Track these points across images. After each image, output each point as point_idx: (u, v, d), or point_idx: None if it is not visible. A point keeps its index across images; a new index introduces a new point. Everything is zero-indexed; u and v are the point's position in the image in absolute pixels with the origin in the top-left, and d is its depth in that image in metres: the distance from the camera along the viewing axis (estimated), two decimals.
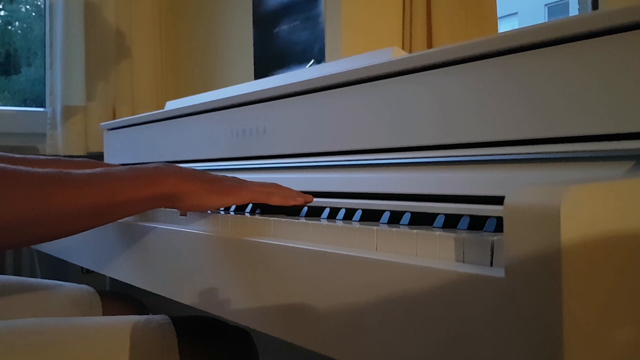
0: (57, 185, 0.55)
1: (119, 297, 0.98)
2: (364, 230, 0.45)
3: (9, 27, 1.97)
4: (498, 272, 0.33)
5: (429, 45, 1.36)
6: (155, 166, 0.62)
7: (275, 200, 0.63)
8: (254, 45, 1.59)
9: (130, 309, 0.95)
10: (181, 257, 0.63)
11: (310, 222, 0.51)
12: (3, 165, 0.51)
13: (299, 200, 0.63)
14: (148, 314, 0.77)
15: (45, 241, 0.59)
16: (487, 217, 0.47)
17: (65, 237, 0.60)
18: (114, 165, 0.81)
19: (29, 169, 0.54)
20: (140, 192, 0.60)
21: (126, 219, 0.78)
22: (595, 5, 1.58)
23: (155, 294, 0.68)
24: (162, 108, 1.16)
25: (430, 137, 0.58)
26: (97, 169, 0.60)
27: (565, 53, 0.47)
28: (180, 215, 0.69)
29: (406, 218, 0.53)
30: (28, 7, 2.02)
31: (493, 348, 0.32)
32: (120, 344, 0.63)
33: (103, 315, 0.91)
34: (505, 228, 0.31)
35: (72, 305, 0.89)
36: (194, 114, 0.96)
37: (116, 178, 0.60)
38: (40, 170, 0.55)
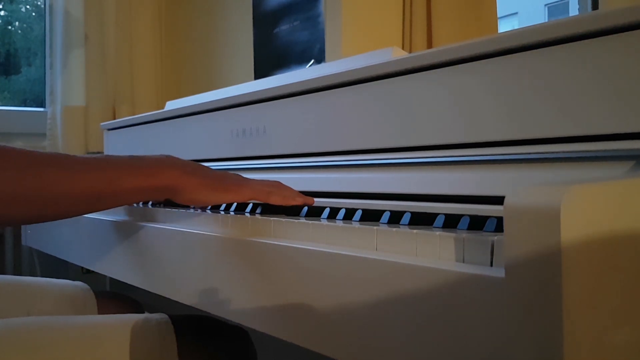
0: (52, 165, 0.54)
1: (115, 297, 0.97)
2: (364, 230, 0.45)
3: (9, 27, 1.97)
4: (498, 272, 0.33)
5: (429, 45, 1.36)
6: (157, 157, 0.62)
7: (274, 200, 0.62)
8: (254, 45, 1.59)
9: (126, 308, 0.94)
10: (181, 256, 0.63)
11: (310, 222, 0.51)
12: None
13: (298, 201, 0.63)
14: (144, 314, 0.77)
15: (40, 221, 0.59)
16: (487, 217, 0.47)
17: (60, 219, 0.59)
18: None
19: (24, 149, 0.54)
20: (139, 182, 0.59)
21: (126, 219, 0.78)
22: (595, 5, 1.58)
23: (154, 293, 0.68)
24: (162, 108, 1.16)
25: (430, 137, 0.58)
26: (98, 155, 0.60)
27: (565, 53, 0.47)
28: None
29: (406, 218, 0.53)
30: (28, 7, 2.02)
31: (493, 348, 0.32)
32: (119, 342, 0.63)
33: (98, 314, 0.90)
34: (505, 228, 0.31)
35: (66, 303, 0.88)
36: (194, 114, 0.96)
37: (116, 165, 0.59)
38: (35, 151, 0.55)
